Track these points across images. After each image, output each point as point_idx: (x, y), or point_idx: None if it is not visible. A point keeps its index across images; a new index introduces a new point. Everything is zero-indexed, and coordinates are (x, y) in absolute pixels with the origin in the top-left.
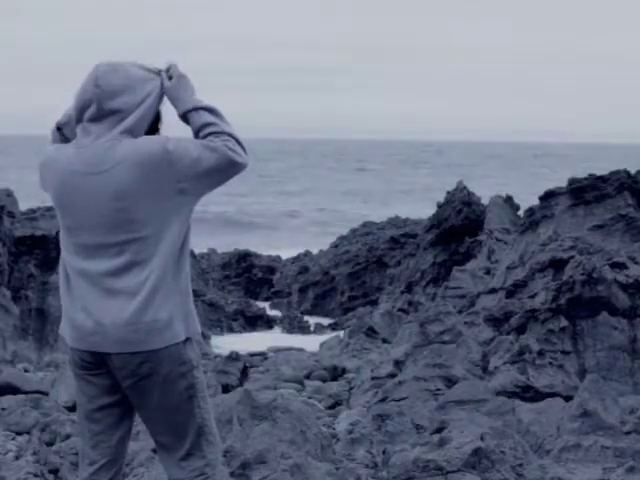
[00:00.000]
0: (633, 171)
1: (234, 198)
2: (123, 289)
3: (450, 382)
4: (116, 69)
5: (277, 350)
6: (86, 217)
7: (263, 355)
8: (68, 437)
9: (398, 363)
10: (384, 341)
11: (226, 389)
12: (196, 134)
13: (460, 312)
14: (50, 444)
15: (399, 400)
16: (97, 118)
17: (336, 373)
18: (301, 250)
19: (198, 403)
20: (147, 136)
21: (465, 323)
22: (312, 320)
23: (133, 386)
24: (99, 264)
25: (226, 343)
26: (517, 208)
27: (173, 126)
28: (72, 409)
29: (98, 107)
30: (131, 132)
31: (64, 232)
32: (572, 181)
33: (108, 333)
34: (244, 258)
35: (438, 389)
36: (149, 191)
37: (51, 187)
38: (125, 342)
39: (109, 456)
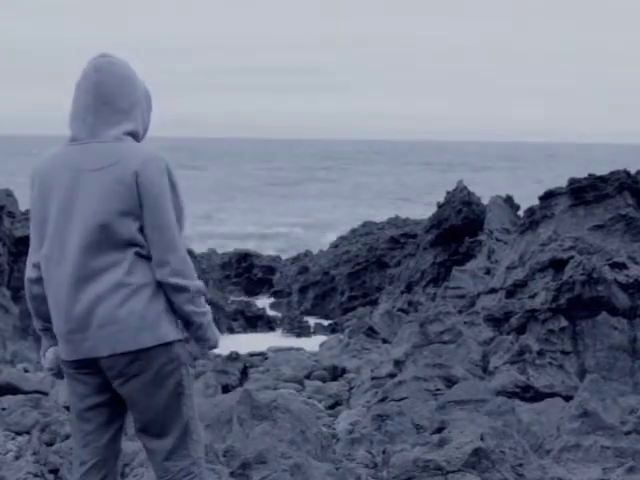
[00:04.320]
0: (633, 171)
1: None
2: (106, 291)
3: (450, 382)
4: (116, 62)
5: (277, 350)
6: (77, 214)
7: (263, 355)
8: (68, 437)
9: (398, 363)
10: (384, 341)
11: (226, 389)
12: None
13: (460, 312)
14: (50, 444)
15: (399, 400)
16: (96, 108)
17: (336, 373)
18: (301, 250)
19: (185, 401)
20: (153, 149)
21: (465, 323)
22: (312, 320)
23: (124, 385)
24: (82, 266)
25: (226, 343)
26: (517, 208)
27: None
28: None
29: (96, 93)
30: (134, 134)
31: (49, 238)
32: (572, 181)
33: (97, 336)
34: (244, 258)
35: (438, 389)
36: (131, 196)
37: (47, 189)
38: (114, 342)
39: (99, 456)
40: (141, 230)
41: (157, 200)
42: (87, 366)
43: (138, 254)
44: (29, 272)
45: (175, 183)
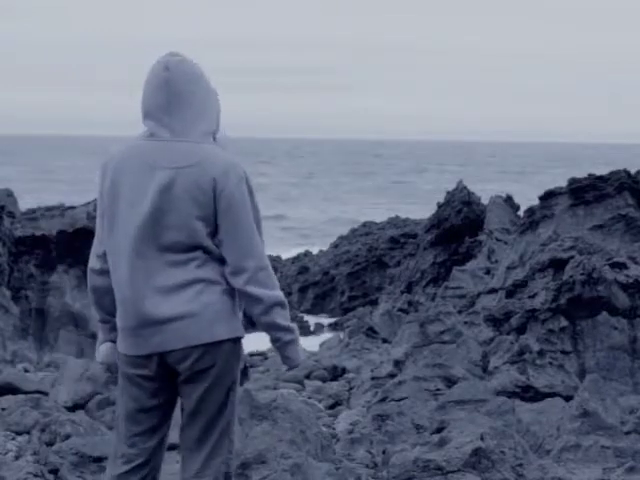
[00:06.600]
0: (633, 171)
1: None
2: (177, 285)
3: (450, 382)
4: (185, 60)
5: None
6: (149, 211)
7: (263, 355)
8: (68, 437)
9: (398, 363)
10: (384, 341)
11: None
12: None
13: (460, 312)
14: (50, 444)
15: (399, 400)
16: (168, 106)
17: (336, 373)
18: (301, 250)
19: (232, 399)
20: (232, 155)
21: (465, 323)
22: (312, 320)
23: (189, 378)
24: (151, 263)
25: None
26: (517, 208)
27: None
28: (72, 409)
29: (168, 91)
30: (212, 134)
31: (117, 231)
32: (572, 181)
33: (169, 329)
34: None
35: (438, 389)
36: (207, 202)
37: (119, 182)
38: (188, 335)
39: (145, 456)
40: (211, 235)
41: (236, 209)
42: (149, 363)
43: (208, 254)
44: (93, 263)
45: (253, 191)
